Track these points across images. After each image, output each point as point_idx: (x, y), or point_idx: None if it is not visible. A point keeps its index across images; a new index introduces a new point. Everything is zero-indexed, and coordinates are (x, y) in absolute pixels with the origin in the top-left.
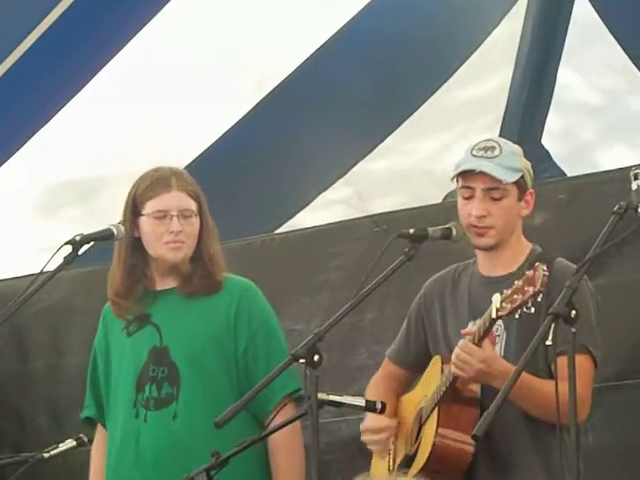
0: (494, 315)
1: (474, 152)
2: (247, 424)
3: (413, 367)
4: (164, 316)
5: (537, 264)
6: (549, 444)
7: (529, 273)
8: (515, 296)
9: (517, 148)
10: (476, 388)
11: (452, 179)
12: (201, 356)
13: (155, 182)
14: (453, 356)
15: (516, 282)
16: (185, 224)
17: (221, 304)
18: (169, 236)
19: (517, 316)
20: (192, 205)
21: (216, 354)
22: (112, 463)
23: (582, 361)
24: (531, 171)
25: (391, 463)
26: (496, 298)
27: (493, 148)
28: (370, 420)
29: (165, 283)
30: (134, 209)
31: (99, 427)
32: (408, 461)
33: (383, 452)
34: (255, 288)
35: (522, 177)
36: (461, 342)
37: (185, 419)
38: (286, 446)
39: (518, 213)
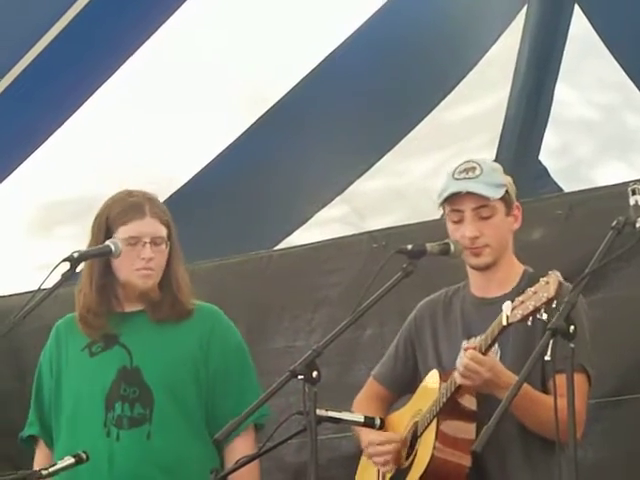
0: (505, 322)
1: (456, 175)
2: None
3: (398, 389)
4: (134, 338)
5: (550, 272)
6: (542, 460)
7: (543, 280)
8: (528, 303)
9: (496, 165)
10: (473, 402)
11: (439, 206)
12: (176, 380)
13: (129, 208)
14: (460, 366)
15: (528, 289)
16: (156, 251)
17: (194, 330)
18: (140, 262)
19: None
20: (163, 232)
21: (189, 379)
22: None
23: (578, 380)
24: (513, 185)
25: (381, 478)
26: (507, 305)
27: (474, 169)
28: (373, 433)
29: (133, 305)
30: (106, 232)
31: (41, 446)
32: (399, 475)
33: (389, 465)
34: (224, 316)
35: (507, 192)
36: (470, 352)
37: (160, 440)
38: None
39: (509, 228)
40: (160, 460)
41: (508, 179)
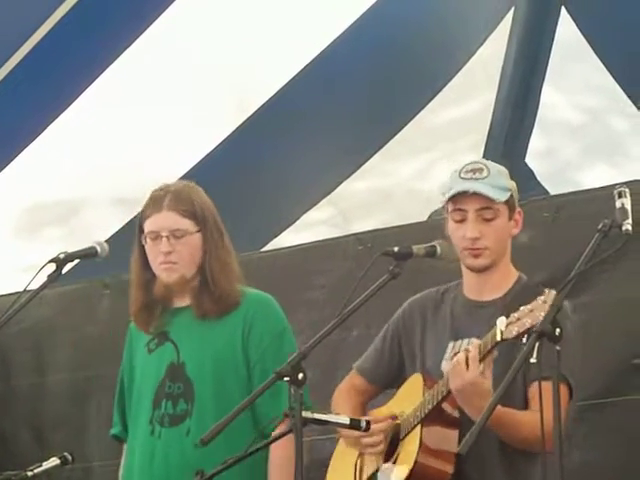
0: (499, 338)
1: (462, 175)
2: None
3: (380, 384)
4: (181, 333)
5: (547, 290)
6: (522, 471)
7: (540, 298)
8: (524, 320)
9: (503, 168)
10: (456, 411)
11: (443, 204)
12: (216, 374)
13: (150, 202)
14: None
15: (523, 307)
16: (177, 244)
17: (237, 321)
18: (160, 257)
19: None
20: (186, 224)
21: (231, 372)
22: (135, 478)
23: (560, 390)
24: (517, 191)
25: (358, 475)
26: (501, 321)
27: (481, 170)
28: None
29: (181, 300)
30: (140, 226)
31: (125, 445)
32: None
33: (377, 454)
34: (270, 302)
35: (511, 196)
36: (460, 355)
37: (197, 435)
38: (281, 459)
39: (509, 233)
40: (198, 457)
41: (513, 184)
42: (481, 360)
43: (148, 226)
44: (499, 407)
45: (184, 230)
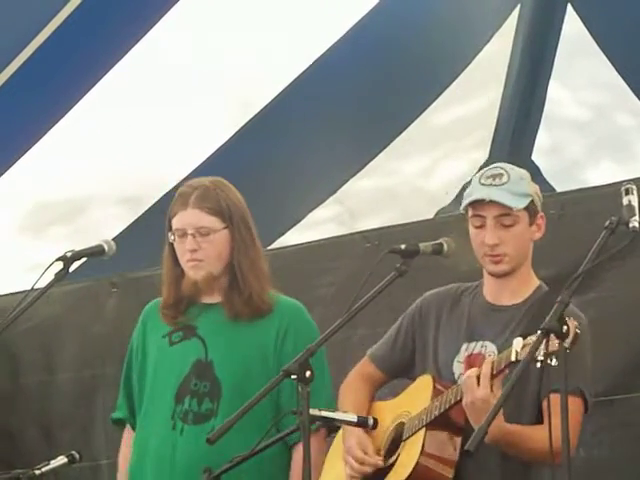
0: (513, 358)
1: (482, 181)
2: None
3: (392, 373)
4: (210, 331)
5: (570, 320)
6: (522, 474)
7: (563, 328)
8: (541, 346)
9: (525, 173)
10: (463, 420)
11: (462, 209)
12: (245, 376)
13: (176, 200)
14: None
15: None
16: (203, 242)
17: (270, 326)
18: (187, 254)
19: None
20: (211, 222)
21: (259, 376)
22: (148, 470)
23: (574, 403)
24: (540, 194)
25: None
26: (517, 342)
27: (501, 175)
28: (356, 448)
29: (210, 297)
30: (168, 224)
31: (128, 428)
32: (378, 473)
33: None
34: (305, 312)
35: (532, 201)
36: (472, 371)
37: (223, 435)
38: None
39: (530, 238)
40: (215, 458)
41: (535, 188)
42: (493, 378)
43: (175, 223)
44: (508, 426)
45: (209, 227)
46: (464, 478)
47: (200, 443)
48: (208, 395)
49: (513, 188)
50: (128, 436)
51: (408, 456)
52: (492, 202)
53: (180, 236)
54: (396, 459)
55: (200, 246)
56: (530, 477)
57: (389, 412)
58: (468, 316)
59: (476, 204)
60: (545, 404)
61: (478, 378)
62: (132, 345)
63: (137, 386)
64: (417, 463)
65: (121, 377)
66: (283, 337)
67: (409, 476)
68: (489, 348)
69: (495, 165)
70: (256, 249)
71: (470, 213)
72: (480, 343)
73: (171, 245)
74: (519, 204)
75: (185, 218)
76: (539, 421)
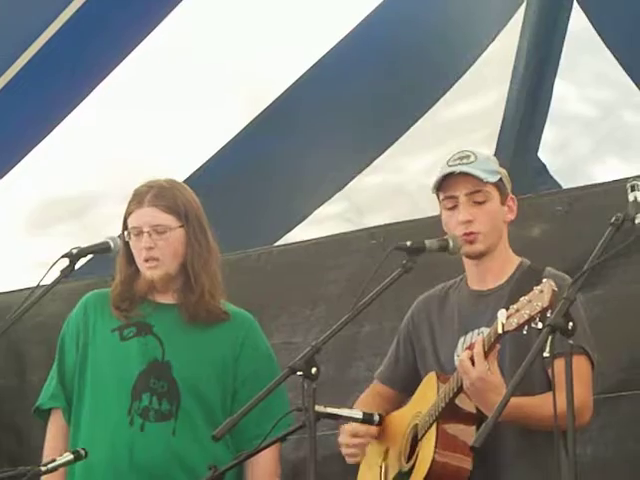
0: (500, 330)
1: (450, 162)
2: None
3: (402, 387)
4: (167, 331)
5: (545, 280)
6: (542, 448)
7: (537, 288)
8: (522, 311)
9: (492, 156)
10: (472, 405)
11: (433, 191)
12: (202, 381)
13: (132, 198)
14: (458, 363)
15: (522, 298)
16: (159, 240)
17: (227, 333)
18: (143, 253)
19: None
20: (167, 220)
21: (215, 381)
22: (102, 466)
23: (580, 362)
24: (508, 178)
25: (384, 477)
26: (502, 313)
27: (468, 156)
28: (346, 429)
29: (164, 297)
30: (124, 222)
31: (57, 418)
32: (401, 478)
33: (356, 457)
34: (257, 324)
35: (501, 180)
36: (465, 353)
37: (184, 437)
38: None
39: (503, 218)
40: (184, 458)
41: (503, 171)
42: (486, 355)
43: (131, 222)
44: (514, 400)
45: (165, 225)
46: (483, 462)
47: (164, 440)
48: (166, 396)
49: (481, 166)
50: (56, 424)
51: (425, 454)
52: (462, 176)
53: (136, 234)
54: (416, 459)
55: (156, 244)
56: (548, 458)
57: (404, 419)
58: (458, 310)
59: (446, 184)
60: (550, 371)
61: (472, 360)
62: (68, 331)
63: (75, 376)
64: (433, 459)
65: (54, 364)
66: (240, 346)
67: (427, 474)
68: (486, 333)
69: (462, 149)
70: (210, 250)
71: (441, 197)
72: (476, 332)
73: (126, 244)
74: (489, 177)
75: (141, 216)
76: (550, 389)
